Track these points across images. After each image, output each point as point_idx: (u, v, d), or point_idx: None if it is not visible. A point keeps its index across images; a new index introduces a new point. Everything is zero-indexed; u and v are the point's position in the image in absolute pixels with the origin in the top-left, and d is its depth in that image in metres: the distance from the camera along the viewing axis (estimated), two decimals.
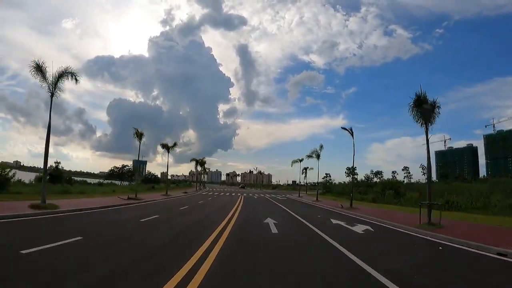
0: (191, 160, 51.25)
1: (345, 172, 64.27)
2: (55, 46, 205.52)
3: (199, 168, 59.04)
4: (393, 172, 75.20)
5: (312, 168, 43.72)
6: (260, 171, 66.43)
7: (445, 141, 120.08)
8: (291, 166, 40.70)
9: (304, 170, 43.14)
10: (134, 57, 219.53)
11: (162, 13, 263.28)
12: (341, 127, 22.35)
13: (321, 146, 30.55)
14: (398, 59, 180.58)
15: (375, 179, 60.84)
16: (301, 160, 40.63)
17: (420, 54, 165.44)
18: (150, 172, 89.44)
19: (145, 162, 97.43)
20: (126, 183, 57.47)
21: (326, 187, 45.13)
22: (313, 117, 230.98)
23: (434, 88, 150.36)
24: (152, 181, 71.96)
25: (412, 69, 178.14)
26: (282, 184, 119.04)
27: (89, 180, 52.89)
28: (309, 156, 34.42)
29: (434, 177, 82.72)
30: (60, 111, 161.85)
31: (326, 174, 70.42)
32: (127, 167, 73.61)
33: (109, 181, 60.89)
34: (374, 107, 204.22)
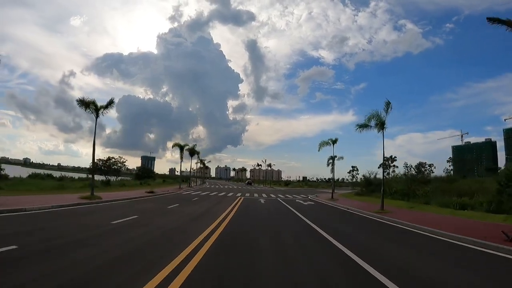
0: (174, 146, 38.57)
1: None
2: (64, 44, 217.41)
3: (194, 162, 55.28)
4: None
5: (342, 158, 30.49)
6: (270, 164, 54.06)
7: (462, 136, 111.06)
8: (318, 150, 27.89)
9: (332, 160, 29.82)
10: (143, 54, 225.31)
11: (170, 10, 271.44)
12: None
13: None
14: (409, 54, 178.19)
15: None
16: (334, 142, 27.41)
17: (431, 48, 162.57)
18: (144, 167, 78.38)
19: (153, 158, 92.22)
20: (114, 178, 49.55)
21: (368, 183, 31.21)
22: (323, 113, 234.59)
23: (444, 84, 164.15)
24: (145, 177, 63.80)
25: (423, 63, 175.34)
26: (292, 180, 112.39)
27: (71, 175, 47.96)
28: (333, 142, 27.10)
29: (452, 172, 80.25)
30: (70, 108, 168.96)
31: (352, 167, 56.85)
32: (112, 159, 62.59)
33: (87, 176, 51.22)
34: (383, 103, 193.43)
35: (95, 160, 53.71)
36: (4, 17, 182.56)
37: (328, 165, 30.55)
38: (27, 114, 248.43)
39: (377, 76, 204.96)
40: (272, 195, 31.15)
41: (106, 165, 63.39)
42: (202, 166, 63.53)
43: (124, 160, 64.94)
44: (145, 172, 76.09)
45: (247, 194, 31.28)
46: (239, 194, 30.33)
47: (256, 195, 31.19)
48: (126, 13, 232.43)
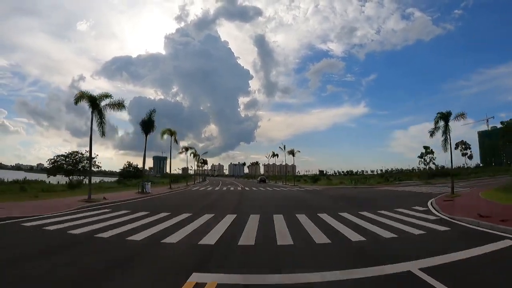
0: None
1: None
2: (73, 50, 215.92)
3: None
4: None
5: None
6: (293, 151, 36.81)
7: (487, 120, 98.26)
8: (431, 135, 10.99)
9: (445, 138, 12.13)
10: (152, 55, 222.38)
11: (176, 10, 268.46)
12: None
13: None
14: (420, 41, 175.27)
15: None
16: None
17: (442, 35, 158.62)
18: (131, 164, 63.07)
19: (165, 158, 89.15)
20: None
21: None
22: (334, 106, 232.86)
23: (456, 71, 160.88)
24: (131, 176, 54.12)
25: (435, 51, 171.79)
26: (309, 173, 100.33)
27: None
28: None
29: (478, 160, 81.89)
30: (81, 113, 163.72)
31: (425, 148, 38.26)
32: (77, 154, 47.93)
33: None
34: (395, 93, 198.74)
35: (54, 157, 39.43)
36: (13, 27, 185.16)
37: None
38: (40, 120, 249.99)
39: (388, 66, 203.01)
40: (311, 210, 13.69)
41: (70, 162, 48.24)
42: (201, 163, 66.37)
43: (94, 156, 50.20)
44: (131, 172, 61.38)
45: (253, 203, 15.58)
46: (235, 203, 15.39)
47: (269, 204, 15.15)
48: (132, 16, 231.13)
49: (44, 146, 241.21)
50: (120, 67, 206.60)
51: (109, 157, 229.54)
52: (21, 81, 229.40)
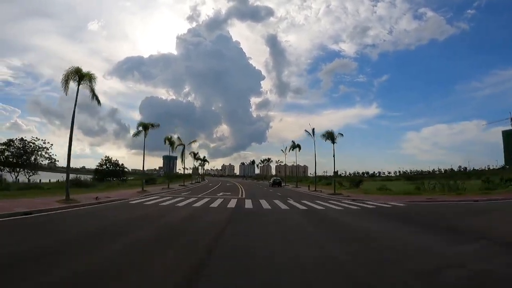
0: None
1: None
2: (85, 50, 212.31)
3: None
4: None
5: None
6: (332, 135, 22.31)
7: (511, 119, 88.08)
8: None
9: None
10: (163, 56, 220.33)
11: (188, 10, 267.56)
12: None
13: None
14: (434, 41, 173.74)
15: None
16: None
17: (456, 34, 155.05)
18: (109, 159, 50.05)
19: (175, 158, 74.90)
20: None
21: None
22: (346, 107, 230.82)
23: (469, 72, 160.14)
24: (110, 175, 47.62)
25: (448, 51, 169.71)
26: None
27: None
28: None
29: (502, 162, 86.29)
30: (94, 112, 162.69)
31: None
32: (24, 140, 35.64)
33: None
34: (408, 94, 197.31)
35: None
36: (26, 28, 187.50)
37: None
38: (52, 119, 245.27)
39: (401, 67, 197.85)
40: None
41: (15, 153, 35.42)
42: (200, 160, 66.57)
43: (45, 145, 37.14)
44: (110, 170, 48.40)
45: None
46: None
47: None
48: (144, 17, 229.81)
49: (56, 145, 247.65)
50: (132, 67, 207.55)
51: (121, 156, 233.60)
52: (34, 81, 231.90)
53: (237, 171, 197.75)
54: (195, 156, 58.89)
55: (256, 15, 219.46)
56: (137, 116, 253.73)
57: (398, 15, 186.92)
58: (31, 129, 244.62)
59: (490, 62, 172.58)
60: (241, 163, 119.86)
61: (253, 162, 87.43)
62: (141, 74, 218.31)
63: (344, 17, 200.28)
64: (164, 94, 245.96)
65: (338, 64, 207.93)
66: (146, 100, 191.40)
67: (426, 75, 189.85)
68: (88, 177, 49.99)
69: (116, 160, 50.31)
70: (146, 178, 38.72)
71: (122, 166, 50.25)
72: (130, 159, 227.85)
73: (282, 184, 41.86)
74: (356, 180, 36.47)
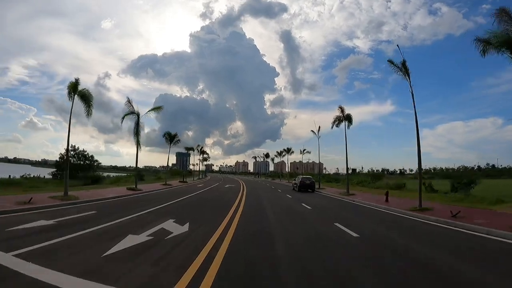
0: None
1: None
2: (99, 49, 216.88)
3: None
4: None
5: None
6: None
7: None
8: None
9: None
10: (177, 53, 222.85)
11: (201, 7, 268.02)
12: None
13: None
14: (450, 36, 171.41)
15: None
16: None
17: (472, 29, 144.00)
18: (76, 148, 37.79)
19: (188, 154, 77.97)
20: None
21: None
22: (360, 104, 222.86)
23: (484, 68, 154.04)
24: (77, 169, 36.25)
25: (463, 47, 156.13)
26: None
27: None
28: None
29: None
30: (108, 109, 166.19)
31: None
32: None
33: None
34: (423, 90, 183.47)
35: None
36: (41, 28, 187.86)
37: None
38: (67, 117, 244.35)
39: (415, 63, 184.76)
40: None
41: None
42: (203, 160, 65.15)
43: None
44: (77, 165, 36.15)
45: None
46: None
47: None
48: (157, 15, 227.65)
49: (72, 142, 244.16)
50: (146, 64, 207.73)
51: (135, 154, 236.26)
52: (50, 80, 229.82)
53: (251, 168, 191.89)
54: (201, 151, 56.51)
55: (269, 11, 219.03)
56: (151, 113, 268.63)
57: (412, 11, 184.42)
58: (47, 127, 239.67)
59: (507, 58, 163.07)
60: (253, 156, 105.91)
61: (267, 155, 72.18)
62: (155, 72, 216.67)
63: (358, 13, 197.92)
64: (178, 91, 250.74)
65: (353, 60, 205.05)
66: (160, 98, 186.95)
67: (441, 71, 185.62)
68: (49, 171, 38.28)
69: (83, 150, 38.05)
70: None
71: (91, 158, 37.97)
72: (145, 156, 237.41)
73: (315, 187, 25.36)
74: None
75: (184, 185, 31.81)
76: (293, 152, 53.14)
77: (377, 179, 38.30)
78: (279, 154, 53.30)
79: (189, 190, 22.31)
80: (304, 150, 35.42)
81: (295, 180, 28.93)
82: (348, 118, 21.03)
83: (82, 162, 37.44)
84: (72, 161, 36.57)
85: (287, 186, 33.21)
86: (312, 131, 31.29)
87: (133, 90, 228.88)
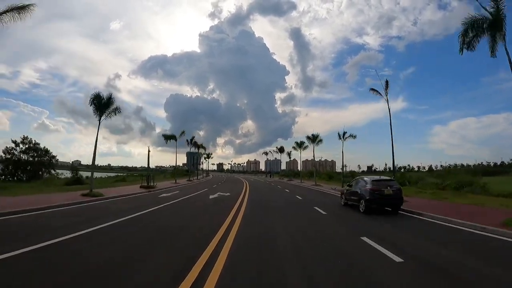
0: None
1: None
2: (109, 50, 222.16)
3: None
4: None
5: None
6: None
7: None
8: None
9: None
10: (187, 53, 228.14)
11: (209, 7, 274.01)
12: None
13: None
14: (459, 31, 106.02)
15: None
16: None
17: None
18: (30, 140, 27.92)
19: (198, 154, 75.39)
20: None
21: None
22: (371, 101, 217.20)
23: (496, 62, 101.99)
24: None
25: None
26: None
27: None
28: None
29: None
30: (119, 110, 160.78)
31: None
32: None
33: None
34: (434, 87, 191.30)
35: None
36: (51, 31, 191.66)
37: None
38: (79, 119, 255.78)
39: (427, 59, 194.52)
40: None
41: None
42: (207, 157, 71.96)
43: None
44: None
45: None
46: None
47: None
48: (166, 16, 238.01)
49: (83, 143, 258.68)
50: (156, 65, 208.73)
51: (147, 154, 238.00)
52: (61, 82, 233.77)
53: (262, 166, 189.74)
54: (194, 143, 50.97)
55: (278, 9, 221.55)
56: (162, 114, 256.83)
57: (422, 6, 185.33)
58: (59, 129, 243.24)
59: None
60: (264, 152, 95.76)
61: (281, 149, 59.71)
62: (165, 72, 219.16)
63: (367, 9, 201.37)
64: (189, 91, 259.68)
65: (363, 56, 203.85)
66: (170, 98, 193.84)
67: (453, 67, 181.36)
68: None
69: (38, 144, 28.35)
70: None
71: (47, 151, 28.08)
72: (156, 156, 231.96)
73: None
74: None
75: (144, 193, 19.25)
76: (307, 146, 41.72)
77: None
78: (299, 145, 41.75)
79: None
80: (345, 133, 26.30)
81: (348, 185, 14.08)
82: None
83: (36, 159, 27.60)
84: (20, 157, 26.79)
85: (320, 194, 21.94)
86: (338, 133, 28.65)
87: (144, 91, 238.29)
